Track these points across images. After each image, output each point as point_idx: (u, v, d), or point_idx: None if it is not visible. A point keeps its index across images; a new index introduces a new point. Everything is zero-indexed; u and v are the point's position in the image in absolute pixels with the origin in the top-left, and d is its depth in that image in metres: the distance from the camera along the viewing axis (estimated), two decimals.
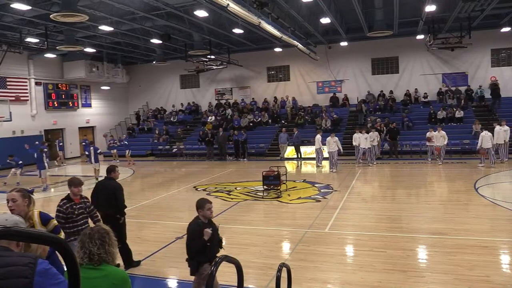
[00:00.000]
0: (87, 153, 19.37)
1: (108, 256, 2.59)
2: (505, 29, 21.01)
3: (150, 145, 25.93)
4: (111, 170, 6.97)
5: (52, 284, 1.83)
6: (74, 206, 5.61)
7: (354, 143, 18.42)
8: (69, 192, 5.70)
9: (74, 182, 5.70)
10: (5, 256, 1.82)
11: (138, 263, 6.91)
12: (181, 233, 8.65)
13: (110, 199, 6.68)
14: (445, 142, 17.32)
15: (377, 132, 19.29)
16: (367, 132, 18.38)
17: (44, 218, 4.15)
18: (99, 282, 2.47)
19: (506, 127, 16.56)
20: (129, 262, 6.79)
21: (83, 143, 24.34)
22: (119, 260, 6.90)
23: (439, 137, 17.27)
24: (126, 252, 6.73)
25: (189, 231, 4.90)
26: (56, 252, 3.67)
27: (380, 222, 9.01)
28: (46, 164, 15.55)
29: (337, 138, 17.05)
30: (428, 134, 18.02)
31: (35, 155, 15.68)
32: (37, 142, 19.78)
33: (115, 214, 6.69)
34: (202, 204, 5.01)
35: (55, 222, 4.28)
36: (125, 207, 6.96)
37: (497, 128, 16.65)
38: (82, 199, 5.78)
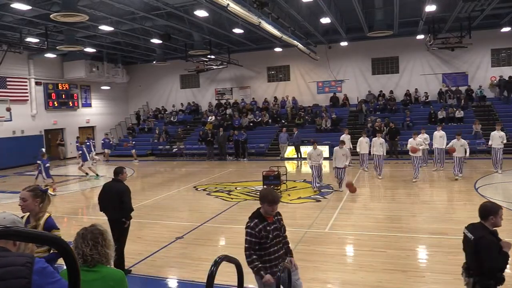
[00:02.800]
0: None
1: (101, 258, 2.54)
2: (505, 29, 21.01)
3: (150, 145, 25.95)
4: (118, 172, 6.68)
5: (49, 283, 1.83)
6: (268, 228, 4.16)
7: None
8: (259, 207, 4.25)
9: (268, 198, 4.12)
10: (2, 256, 1.81)
11: (129, 271, 6.52)
12: (181, 233, 8.67)
13: (114, 202, 6.44)
14: (421, 153, 13.81)
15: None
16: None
17: (48, 226, 3.91)
18: (96, 284, 2.44)
19: (502, 133, 14.59)
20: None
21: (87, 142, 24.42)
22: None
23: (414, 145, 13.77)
24: (119, 259, 6.25)
25: (484, 244, 3.62)
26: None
27: (380, 222, 9.01)
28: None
29: (321, 150, 13.18)
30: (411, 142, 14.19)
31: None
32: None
33: (120, 217, 6.41)
34: (495, 210, 3.77)
35: (57, 233, 3.93)
36: (132, 210, 6.64)
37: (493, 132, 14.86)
38: (277, 217, 4.32)
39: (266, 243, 4.12)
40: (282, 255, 4.30)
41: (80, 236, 2.56)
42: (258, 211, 4.24)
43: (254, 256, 4.15)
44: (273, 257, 4.19)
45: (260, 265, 4.14)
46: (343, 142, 12.92)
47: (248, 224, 4.22)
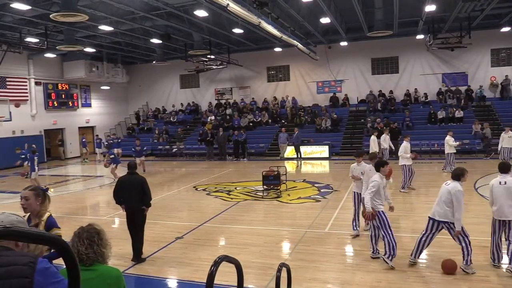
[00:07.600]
0: (110, 153, 17.56)
1: (97, 257, 2.57)
2: (505, 29, 21.01)
3: (150, 145, 25.91)
4: (134, 166, 7.33)
5: (52, 283, 1.82)
6: None
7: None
8: None
9: None
10: (5, 255, 1.81)
11: (144, 260, 7.11)
12: (181, 233, 8.67)
13: (136, 192, 7.02)
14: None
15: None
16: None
17: (49, 224, 3.94)
18: (94, 283, 2.45)
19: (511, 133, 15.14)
20: (138, 256, 7.05)
21: (97, 140, 24.88)
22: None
23: (368, 173, 7.73)
24: (139, 246, 7.06)
25: None
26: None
27: None
28: (36, 167, 15.17)
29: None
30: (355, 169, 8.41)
31: (27, 156, 15.76)
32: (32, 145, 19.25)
33: (142, 207, 6.99)
34: None
35: (58, 232, 3.98)
36: (151, 198, 7.30)
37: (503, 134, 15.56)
38: None
39: None
40: None
41: (76, 235, 2.59)
42: None
43: None
44: None
45: None
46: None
47: None
